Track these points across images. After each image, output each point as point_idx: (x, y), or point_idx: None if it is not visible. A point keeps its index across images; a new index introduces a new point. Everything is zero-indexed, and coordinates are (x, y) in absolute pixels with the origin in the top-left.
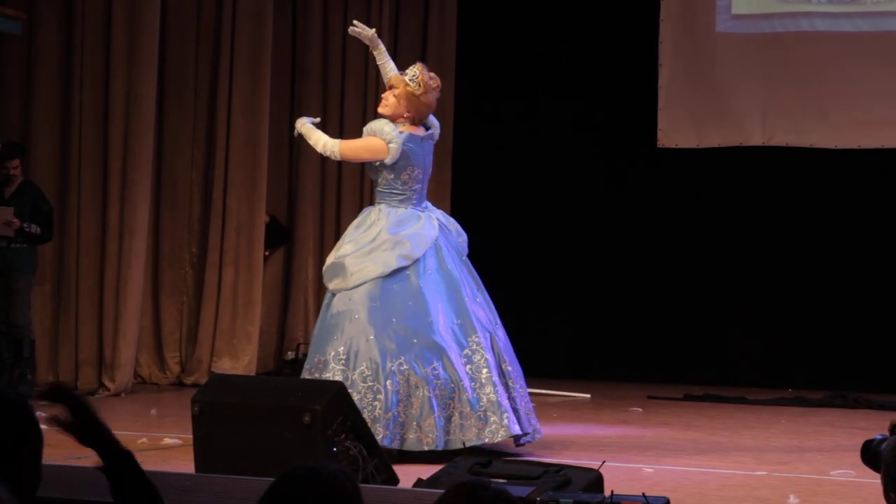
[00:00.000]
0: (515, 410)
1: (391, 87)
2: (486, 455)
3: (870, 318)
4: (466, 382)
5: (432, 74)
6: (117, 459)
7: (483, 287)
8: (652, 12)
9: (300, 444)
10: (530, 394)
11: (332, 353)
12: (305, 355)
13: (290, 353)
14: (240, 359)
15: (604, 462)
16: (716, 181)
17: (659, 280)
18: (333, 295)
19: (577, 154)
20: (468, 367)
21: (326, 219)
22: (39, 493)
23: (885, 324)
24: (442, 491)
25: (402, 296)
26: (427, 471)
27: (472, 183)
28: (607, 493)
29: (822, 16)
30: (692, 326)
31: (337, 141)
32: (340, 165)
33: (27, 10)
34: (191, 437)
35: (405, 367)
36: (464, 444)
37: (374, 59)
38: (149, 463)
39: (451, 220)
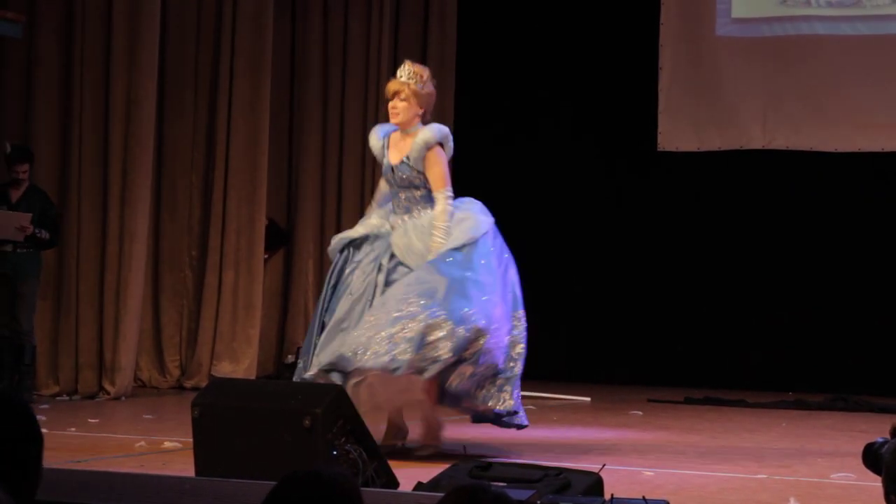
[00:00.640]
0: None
1: (395, 95)
2: (486, 458)
3: (870, 321)
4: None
5: (424, 67)
6: None
7: None
8: (652, 16)
9: (300, 447)
10: (531, 397)
11: None
12: None
13: (290, 356)
14: (240, 362)
15: (604, 465)
16: (716, 184)
17: (659, 283)
18: None
19: (578, 157)
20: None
21: (326, 222)
22: (39, 496)
23: (885, 327)
24: (442, 494)
25: None
26: (428, 473)
27: (471, 185)
28: (607, 496)
29: (822, 19)
30: (692, 330)
31: (442, 198)
32: (341, 168)
33: (28, 13)
34: (191, 440)
35: None
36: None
37: (374, 60)
38: (149, 466)
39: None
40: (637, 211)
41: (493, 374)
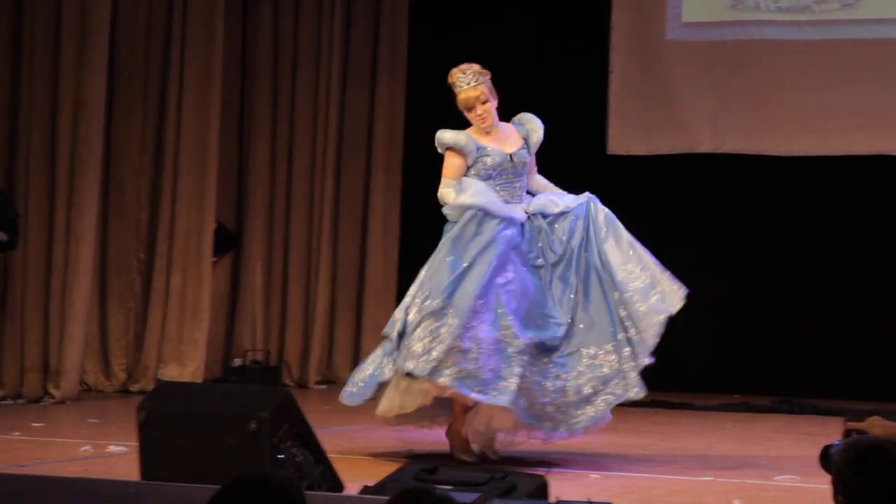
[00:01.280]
0: None
1: (476, 100)
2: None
3: (815, 324)
4: None
5: (468, 64)
6: None
7: None
8: (603, 19)
9: (246, 451)
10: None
11: None
12: (255, 361)
13: (237, 359)
14: (187, 365)
15: (549, 468)
16: (665, 188)
17: None
18: None
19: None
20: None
21: (275, 225)
22: None
23: (830, 329)
24: (388, 498)
25: None
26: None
27: (423, 189)
28: (553, 499)
29: (771, 24)
30: None
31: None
32: (290, 171)
33: None
34: (136, 444)
35: None
36: None
37: (325, 62)
38: (94, 471)
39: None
40: None
41: None
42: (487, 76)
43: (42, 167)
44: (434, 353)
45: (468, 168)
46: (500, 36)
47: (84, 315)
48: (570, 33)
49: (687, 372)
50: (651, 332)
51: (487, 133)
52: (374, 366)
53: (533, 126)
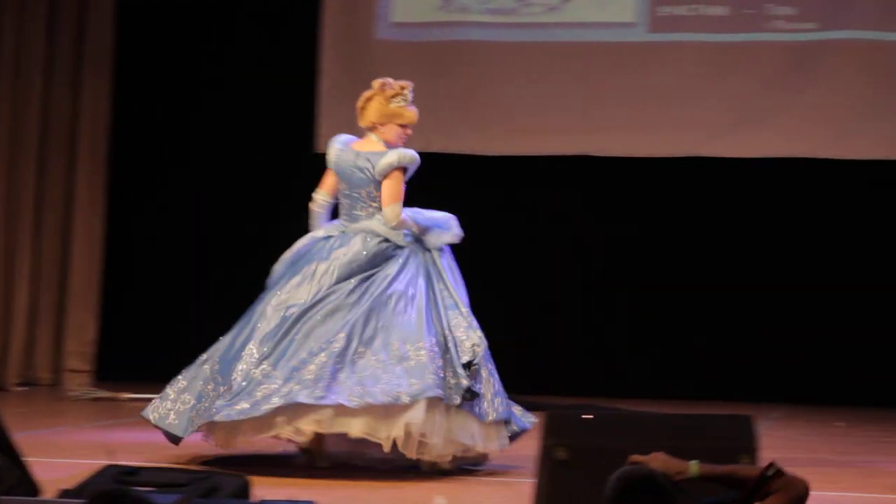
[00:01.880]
0: None
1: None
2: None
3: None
4: None
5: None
6: None
7: None
8: (313, 18)
9: None
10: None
11: None
12: None
13: None
14: None
15: (251, 468)
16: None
17: None
18: None
19: (239, 160)
20: None
21: None
22: None
23: (586, 328)
24: (85, 501)
25: None
26: (79, 479)
27: (130, 189)
28: (256, 498)
29: (479, 25)
30: None
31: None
32: None
33: None
34: None
35: None
36: None
37: (26, 55)
38: None
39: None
40: (297, 214)
41: None
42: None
43: None
44: None
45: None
46: (210, 33)
47: None
48: (281, 31)
49: None
50: None
51: None
52: None
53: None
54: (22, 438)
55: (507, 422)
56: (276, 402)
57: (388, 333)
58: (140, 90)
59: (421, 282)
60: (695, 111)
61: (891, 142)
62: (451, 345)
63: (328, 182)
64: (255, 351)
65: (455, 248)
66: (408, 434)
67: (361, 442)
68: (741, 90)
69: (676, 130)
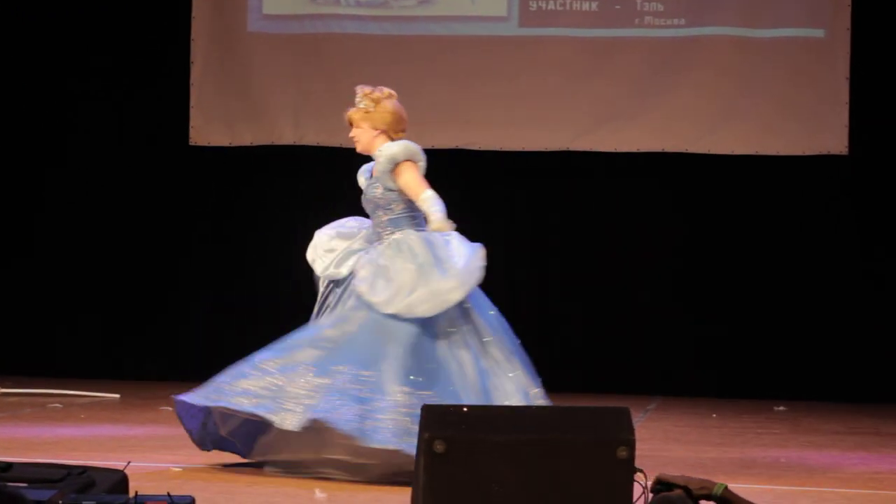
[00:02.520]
0: None
1: (351, 125)
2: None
3: None
4: None
5: (380, 87)
6: None
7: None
8: (185, 9)
9: None
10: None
11: None
12: None
13: None
14: None
15: (129, 462)
16: (249, 179)
17: (185, 275)
18: None
19: (113, 153)
20: None
21: None
22: None
23: None
24: None
25: None
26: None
27: (4, 191)
28: (132, 493)
29: (351, 18)
30: (219, 321)
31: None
32: None
33: None
34: None
35: None
36: None
37: None
38: None
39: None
40: (170, 206)
41: None
42: (378, 101)
43: None
44: None
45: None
46: (79, 25)
47: None
48: (151, 23)
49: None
50: None
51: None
52: None
53: (378, 160)
54: None
55: None
56: None
57: None
58: (10, 89)
59: None
60: (566, 105)
61: (756, 137)
62: None
63: None
64: None
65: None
66: None
67: None
68: (611, 85)
69: (548, 125)
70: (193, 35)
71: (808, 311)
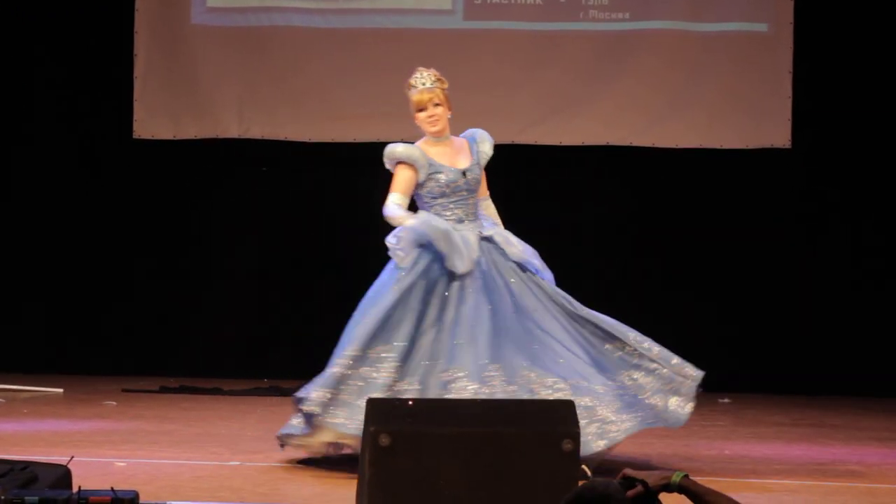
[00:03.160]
0: None
1: (429, 102)
2: None
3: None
4: None
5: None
6: None
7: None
8: (128, 2)
9: None
10: (1, 390)
11: None
12: None
13: None
14: None
15: (72, 457)
16: (193, 173)
17: (129, 268)
18: None
19: (56, 146)
20: None
21: None
22: None
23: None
24: None
25: None
26: None
27: None
28: (76, 488)
29: (296, 11)
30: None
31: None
32: None
33: None
34: None
35: None
36: None
37: None
38: None
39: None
40: (115, 199)
41: None
42: (445, 85)
43: None
44: None
45: (419, 185)
46: (22, 17)
47: None
48: (95, 16)
49: (216, 357)
50: None
51: (437, 143)
52: None
53: (484, 142)
54: None
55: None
56: None
57: None
58: None
59: None
60: (511, 99)
61: (702, 130)
62: None
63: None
64: None
65: (270, 237)
66: None
67: None
68: (556, 78)
69: (493, 118)
70: (137, 27)
71: (751, 303)
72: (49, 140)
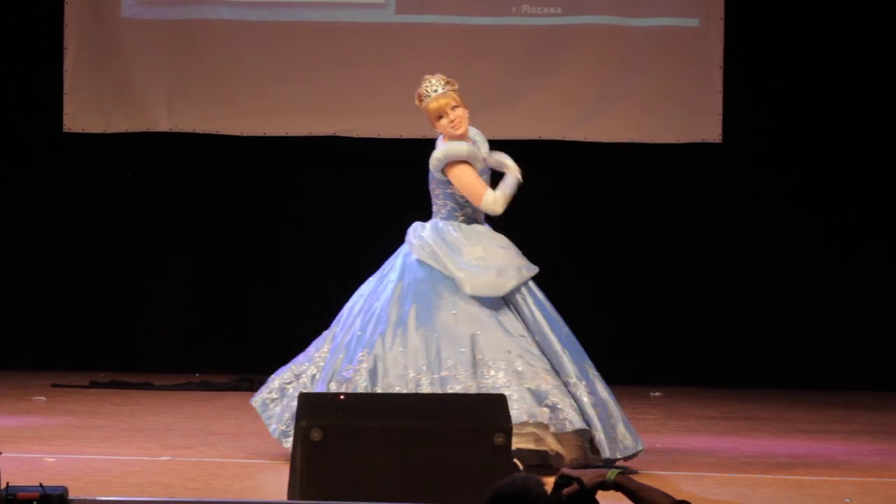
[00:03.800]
0: None
1: (447, 106)
2: None
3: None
4: None
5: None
6: None
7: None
8: None
9: None
10: None
11: None
12: None
13: None
14: None
15: (1, 453)
16: (125, 167)
17: (57, 262)
18: None
19: None
20: None
21: None
22: None
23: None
24: None
25: None
26: None
27: None
28: (4, 484)
29: (228, 4)
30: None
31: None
32: None
33: None
34: None
35: None
36: None
37: None
38: None
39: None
40: (44, 193)
41: None
42: (456, 86)
43: None
44: None
45: (448, 183)
46: None
47: None
48: (25, 8)
49: (147, 351)
50: None
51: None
52: None
53: (484, 143)
54: None
55: None
56: None
57: None
58: None
59: None
60: None
61: (633, 124)
62: None
63: None
64: None
65: (202, 230)
66: None
67: None
68: (488, 73)
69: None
70: (67, 20)
71: (682, 298)
72: None
